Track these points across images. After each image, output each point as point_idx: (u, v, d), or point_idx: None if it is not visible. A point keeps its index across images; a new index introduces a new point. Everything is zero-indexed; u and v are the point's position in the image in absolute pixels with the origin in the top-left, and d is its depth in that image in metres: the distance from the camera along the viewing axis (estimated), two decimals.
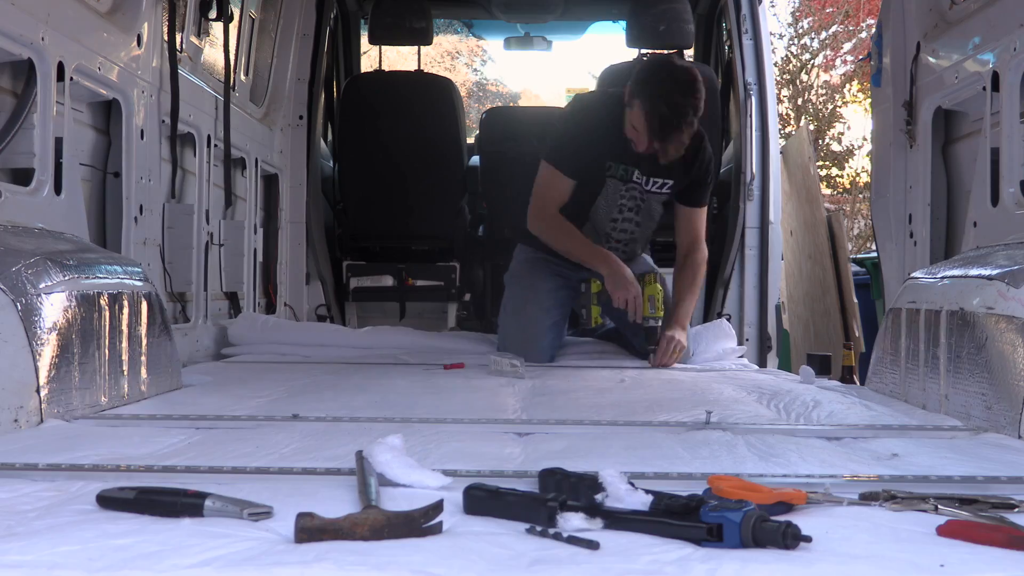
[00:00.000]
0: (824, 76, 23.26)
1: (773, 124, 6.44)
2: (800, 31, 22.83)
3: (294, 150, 6.63)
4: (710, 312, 6.46)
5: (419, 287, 6.91)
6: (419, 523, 1.73)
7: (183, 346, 4.56)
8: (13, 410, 2.78)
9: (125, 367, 3.40)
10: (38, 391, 2.85)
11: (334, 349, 5.36)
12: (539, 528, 1.76)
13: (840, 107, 23.12)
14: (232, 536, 1.70)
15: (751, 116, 6.34)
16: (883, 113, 4.97)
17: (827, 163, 22.41)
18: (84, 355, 3.11)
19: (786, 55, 22.77)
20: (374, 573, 1.52)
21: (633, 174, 4.94)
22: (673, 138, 4.58)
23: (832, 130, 22.90)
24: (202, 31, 5.28)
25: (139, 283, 3.58)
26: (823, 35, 22.83)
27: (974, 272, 3.25)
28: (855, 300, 8.28)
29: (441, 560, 1.59)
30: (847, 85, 22.82)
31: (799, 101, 22.79)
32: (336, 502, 1.95)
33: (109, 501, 1.91)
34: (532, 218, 5.03)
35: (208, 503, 1.84)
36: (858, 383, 4.67)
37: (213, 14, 5.26)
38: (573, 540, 1.69)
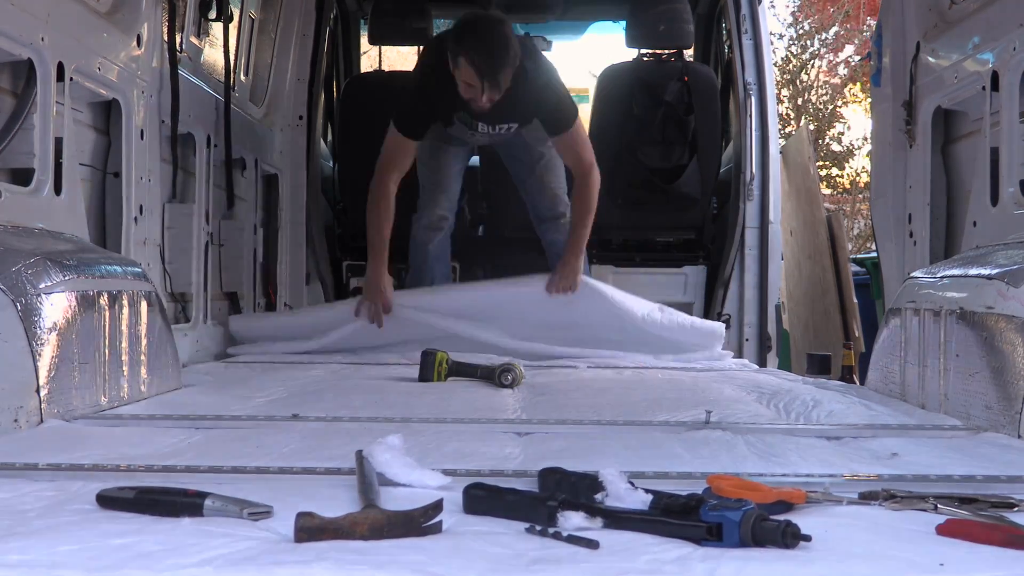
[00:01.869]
0: (824, 76, 23.26)
1: (773, 124, 6.44)
2: (800, 31, 22.82)
3: (294, 150, 6.62)
4: (710, 312, 6.46)
5: None
6: (419, 522, 1.73)
7: (183, 346, 4.56)
8: (13, 410, 2.78)
9: (125, 367, 3.40)
10: (38, 391, 2.85)
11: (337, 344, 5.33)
12: (539, 527, 1.76)
13: (840, 107, 23.11)
14: (232, 536, 1.70)
15: (751, 116, 6.33)
16: (883, 113, 4.97)
17: (827, 163, 22.39)
18: (84, 355, 3.11)
19: (786, 55, 22.77)
20: (374, 572, 1.52)
21: (477, 125, 5.22)
22: (499, 72, 4.75)
23: (832, 130, 22.89)
24: (202, 31, 5.27)
25: (139, 283, 3.58)
26: (823, 35, 22.83)
27: (974, 272, 3.25)
28: (855, 300, 8.28)
29: (441, 559, 1.59)
30: (847, 85, 22.81)
31: (799, 101, 22.78)
32: (336, 501, 1.95)
33: (109, 501, 1.91)
34: (373, 182, 5.34)
35: (208, 503, 1.84)
36: (858, 383, 4.67)
37: (213, 14, 5.25)
38: (573, 539, 1.69)
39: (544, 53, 5.61)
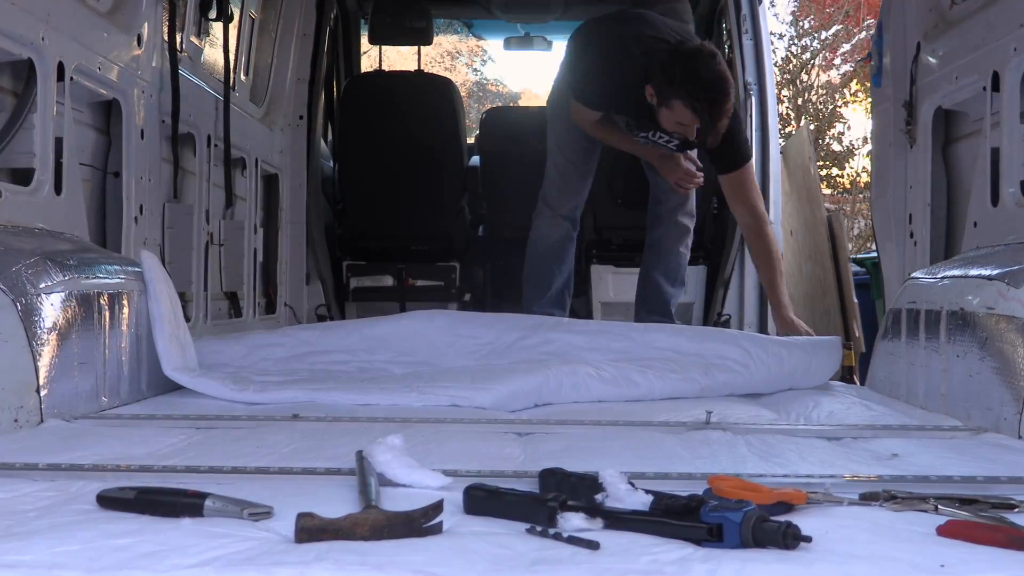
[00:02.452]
0: (824, 76, 23.27)
1: (773, 124, 6.44)
2: (800, 31, 22.83)
3: (294, 150, 6.63)
4: (710, 312, 6.46)
5: (419, 287, 6.90)
6: (419, 523, 1.73)
7: None
8: (13, 410, 2.78)
9: (125, 367, 3.40)
10: (38, 391, 2.85)
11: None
12: (539, 528, 1.76)
13: (840, 107, 23.12)
14: (232, 536, 1.70)
15: (751, 116, 6.33)
16: (883, 113, 4.97)
17: (827, 163, 22.41)
18: (84, 355, 3.11)
19: (786, 55, 22.77)
20: (374, 573, 1.52)
21: (635, 131, 5.10)
22: (721, 116, 4.65)
23: (832, 130, 22.90)
24: (202, 31, 5.27)
25: (139, 283, 3.58)
26: (823, 35, 22.83)
27: (974, 272, 3.25)
28: (855, 300, 8.27)
29: (441, 560, 1.59)
30: (847, 85, 22.82)
31: (799, 101, 22.79)
32: (336, 502, 1.95)
33: (109, 501, 1.91)
34: (587, 128, 5.18)
35: (208, 503, 1.84)
36: (858, 383, 4.66)
37: (213, 14, 5.25)
38: (573, 540, 1.69)
39: (544, 53, 5.56)
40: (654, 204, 5.67)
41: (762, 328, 6.31)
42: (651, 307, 5.59)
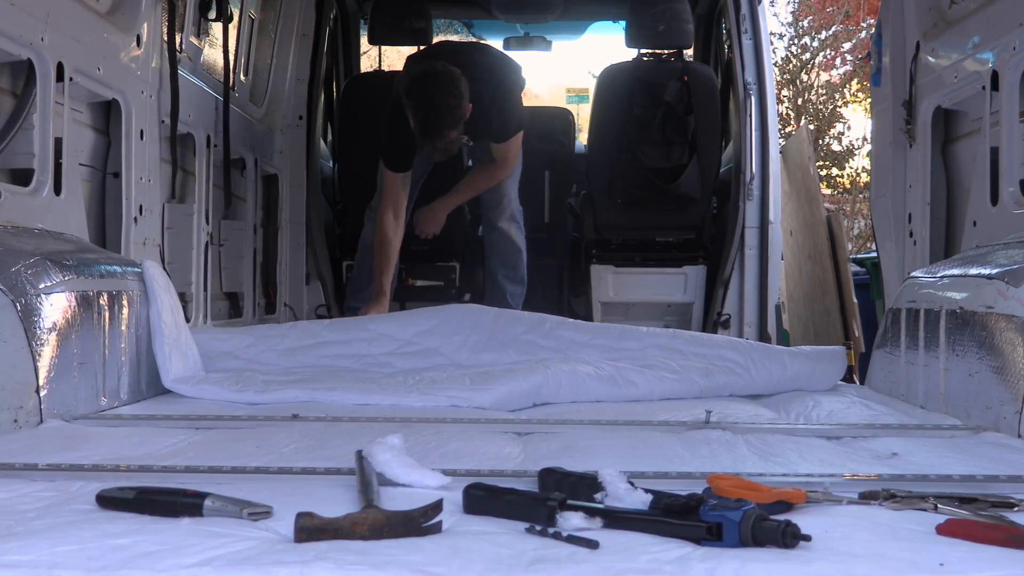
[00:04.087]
0: (824, 76, 23.26)
1: (773, 124, 6.43)
2: (800, 31, 22.82)
3: (294, 150, 6.62)
4: (710, 312, 6.46)
5: (419, 287, 6.89)
6: (419, 522, 1.73)
7: None
8: (13, 410, 2.78)
9: (125, 367, 3.40)
10: (38, 391, 2.85)
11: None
12: (539, 527, 1.75)
13: (840, 107, 23.11)
14: (232, 536, 1.70)
15: (751, 116, 6.33)
16: (883, 113, 4.97)
17: (827, 163, 22.40)
18: (84, 355, 3.11)
19: (786, 55, 22.76)
20: (374, 572, 1.52)
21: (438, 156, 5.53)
22: (438, 137, 5.16)
23: (832, 130, 22.89)
24: (202, 31, 5.27)
25: (139, 283, 3.58)
26: (823, 35, 22.82)
27: (974, 271, 3.25)
28: (855, 300, 8.27)
29: (441, 559, 1.59)
30: (847, 85, 22.81)
31: (799, 101, 22.78)
32: (336, 501, 1.95)
33: (109, 501, 1.91)
34: (378, 218, 5.71)
35: (208, 503, 1.84)
36: (858, 383, 4.66)
37: (213, 14, 5.25)
38: (573, 539, 1.69)
39: (544, 53, 5.66)
40: (482, 214, 6.15)
41: (762, 328, 6.31)
42: (496, 302, 5.80)
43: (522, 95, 6.02)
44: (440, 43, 6.40)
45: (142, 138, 4.35)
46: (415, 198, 6.06)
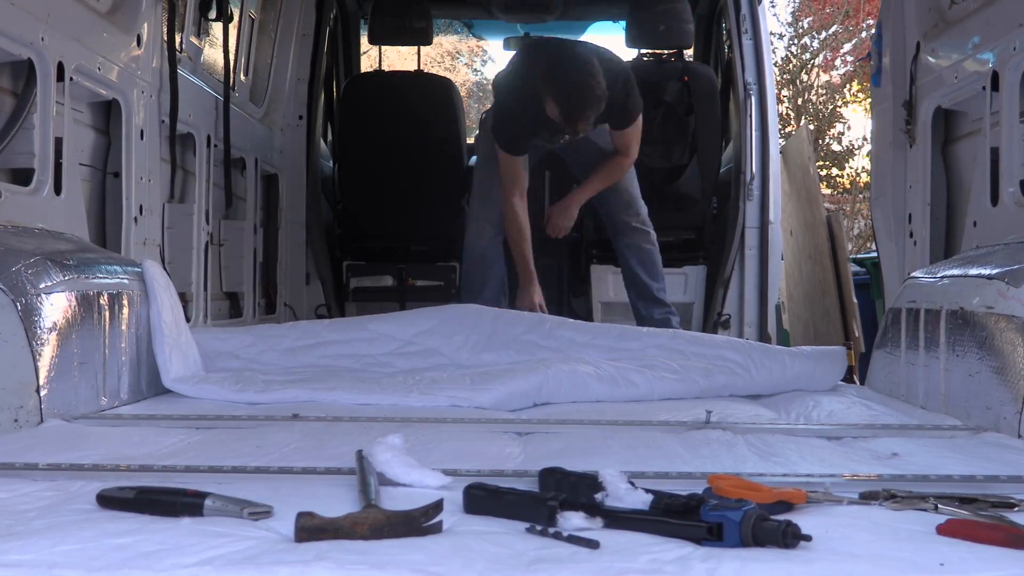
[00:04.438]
0: (824, 76, 23.26)
1: (773, 124, 6.43)
2: (800, 31, 22.83)
3: (294, 150, 6.63)
4: (710, 312, 6.46)
5: (419, 287, 6.90)
6: (419, 522, 1.73)
7: None
8: (13, 410, 2.78)
9: (125, 367, 3.40)
10: (38, 391, 2.85)
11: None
12: (539, 527, 1.76)
13: (840, 107, 23.12)
14: (232, 535, 1.70)
15: (751, 116, 6.33)
16: (883, 113, 4.97)
17: (827, 163, 22.41)
18: (84, 355, 3.11)
19: (786, 55, 22.77)
20: (374, 572, 1.52)
21: (563, 139, 5.47)
22: (582, 118, 5.09)
23: (832, 130, 22.90)
24: (202, 31, 5.28)
25: (139, 283, 3.58)
26: (823, 35, 22.83)
27: (974, 272, 3.25)
28: (855, 300, 8.27)
29: (441, 559, 1.59)
30: (847, 85, 22.82)
31: (799, 101, 22.79)
32: (336, 501, 1.95)
33: (109, 501, 1.91)
34: (504, 205, 5.62)
35: (208, 502, 1.84)
36: (858, 383, 4.66)
37: (213, 14, 5.25)
38: (573, 539, 1.69)
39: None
40: (606, 218, 5.97)
41: (762, 328, 6.31)
42: (645, 296, 5.84)
43: None
44: (551, 36, 6.31)
45: (142, 138, 4.35)
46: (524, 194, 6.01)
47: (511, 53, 6.34)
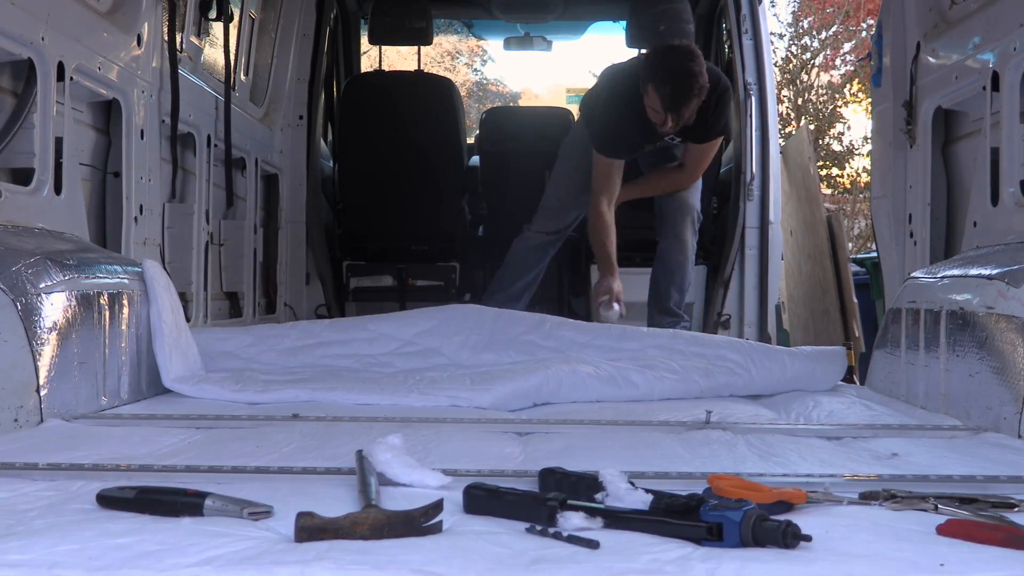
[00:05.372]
0: (824, 76, 23.27)
1: (773, 124, 6.43)
2: (800, 31, 22.83)
3: (294, 150, 6.63)
4: (710, 312, 6.46)
5: (419, 287, 6.90)
6: (419, 522, 1.73)
7: None
8: (13, 410, 2.78)
9: (125, 367, 3.40)
10: (38, 391, 2.85)
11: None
12: (539, 527, 1.76)
13: (840, 107, 23.12)
14: (232, 535, 1.70)
15: (751, 116, 6.33)
16: (883, 113, 4.97)
17: (827, 163, 22.41)
18: (84, 355, 3.11)
19: (786, 55, 22.77)
20: (374, 572, 1.52)
21: (655, 143, 5.58)
22: (683, 106, 5.10)
23: (832, 130, 22.90)
24: (202, 31, 5.28)
25: (139, 283, 3.58)
26: (823, 35, 22.83)
27: (974, 272, 3.25)
28: (855, 300, 8.27)
29: (441, 559, 1.59)
30: (847, 85, 22.82)
31: (799, 101, 22.79)
32: (336, 501, 1.95)
33: (109, 500, 1.91)
34: (591, 207, 5.64)
35: (208, 502, 1.84)
36: (858, 383, 4.66)
37: (213, 14, 5.25)
38: (573, 539, 1.69)
39: (544, 53, 5.66)
40: (658, 219, 5.92)
41: (762, 328, 6.31)
42: (661, 308, 5.85)
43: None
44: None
45: (142, 138, 4.35)
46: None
47: (511, 53, 6.34)
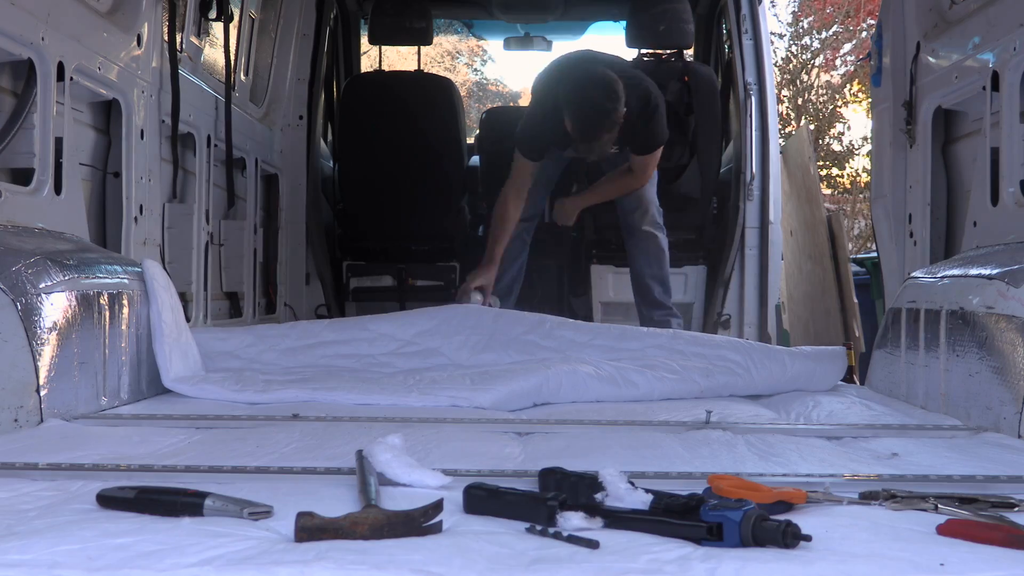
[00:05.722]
0: (824, 76, 23.26)
1: (773, 124, 6.43)
2: (800, 31, 22.83)
3: (294, 150, 6.63)
4: (710, 312, 6.46)
5: (419, 287, 6.90)
6: (419, 522, 1.73)
7: None
8: (13, 410, 2.78)
9: (125, 367, 3.40)
10: (38, 391, 2.85)
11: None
12: (539, 527, 1.76)
13: (840, 107, 23.11)
14: (232, 535, 1.70)
15: (751, 116, 6.33)
16: (883, 113, 4.97)
17: (827, 163, 22.40)
18: (84, 355, 3.11)
19: (786, 55, 22.77)
20: (374, 572, 1.52)
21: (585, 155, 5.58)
22: (593, 140, 5.19)
23: (832, 130, 22.89)
24: (202, 31, 5.27)
25: (139, 283, 3.58)
26: (823, 35, 22.83)
27: (974, 272, 3.25)
28: (855, 300, 8.27)
29: (441, 559, 1.59)
30: (847, 85, 22.82)
31: (799, 101, 22.78)
32: (336, 501, 1.95)
33: (109, 500, 1.91)
34: (500, 196, 5.69)
35: (208, 502, 1.84)
36: (858, 383, 4.66)
37: (213, 14, 5.25)
38: (573, 539, 1.69)
39: (544, 53, 5.65)
40: (621, 219, 5.99)
41: (762, 328, 6.31)
42: (646, 301, 5.90)
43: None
44: (587, 50, 6.34)
45: (142, 138, 4.35)
46: (550, 192, 6.11)
47: (511, 53, 6.34)
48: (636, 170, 5.71)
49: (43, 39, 3.55)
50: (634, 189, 5.79)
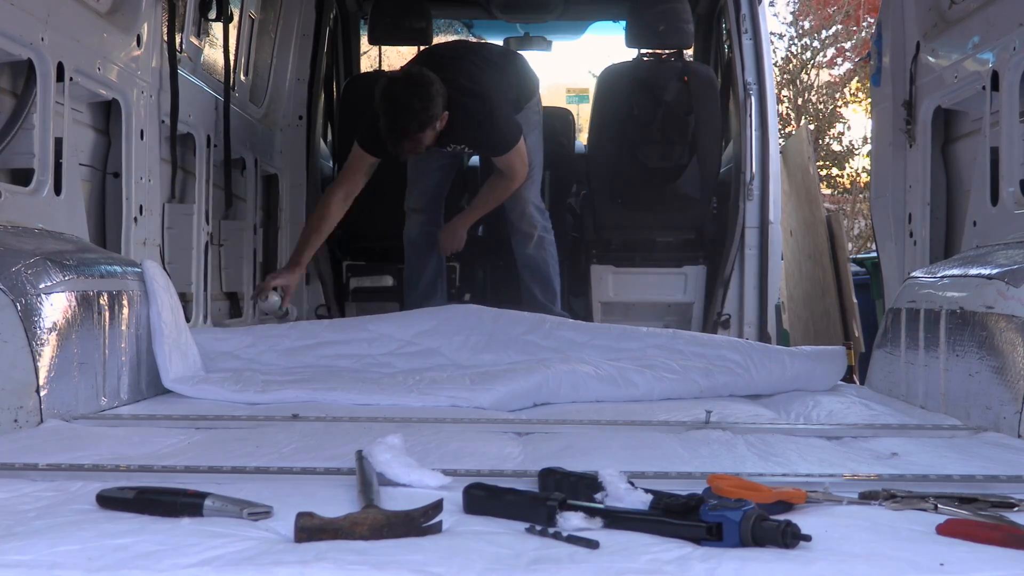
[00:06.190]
0: (825, 76, 23.27)
1: (773, 124, 6.43)
2: (800, 31, 22.83)
3: (294, 150, 6.62)
4: (710, 312, 6.46)
5: None
6: (419, 522, 1.73)
7: None
8: (13, 410, 2.78)
9: (125, 367, 3.40)
10: (38, 391, 2.85)
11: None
12: (539, 527, 1.76)
13: (840, 107, 23.11)
14: (232, 536, 1.70)
15: (751, 116, 6.33)
16: (883, 113, 4.97)
17: (827, 163, 22.40)
18: (84, 355, 3.11)
19: (786, 55, 22.77)
20: (374, 572, 1.52)
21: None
22: (402, 139, 5.01)
23: (832, 130, 22.89)
24: (202, 31, 5.27)
25: (139, 283, 3.58)
26: (823, 35, 22.83)
27: (974, 271, 3.25)
28: (855, 300, 8.27)
29: (441, 559, 1.59)
30: (847, 85, 22.81)
31: (799, 101, 22.78)
32: (336, 501, 1.95)
33: (109, 501, 1.91)
34: (326, 192, 5.58)
35: (208, 503, 1.84)
36: (858, 383, 4.66)
37: (213, 14, 5.25)
38: (573, 539, 1.69)
39: (544, 53, 5.59)
40: (505, 220, 5.91)
41: (762, 328, 6.31)
42: (530, 304, 5.82)
43: (532, 101, 5.83)
44: (439, 45, 6.29)
45: (142, 138, 4.35)
46: (445, 195, 6.05)
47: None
48: (504, 171, 5.54)
49: (43, 39, 3.55)
50: (511, 191, 5.62)
